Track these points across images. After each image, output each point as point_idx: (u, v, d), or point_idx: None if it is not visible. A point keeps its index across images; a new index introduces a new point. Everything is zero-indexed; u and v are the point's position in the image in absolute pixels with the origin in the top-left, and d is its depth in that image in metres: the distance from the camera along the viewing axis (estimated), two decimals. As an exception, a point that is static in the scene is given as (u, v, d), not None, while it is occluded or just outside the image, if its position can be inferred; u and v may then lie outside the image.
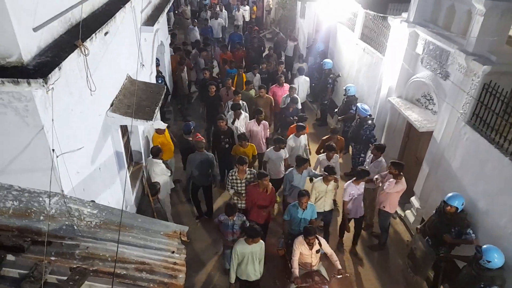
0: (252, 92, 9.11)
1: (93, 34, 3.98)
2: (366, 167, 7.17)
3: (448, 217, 5.27)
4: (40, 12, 3.34)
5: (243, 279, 5.22)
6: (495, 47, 5.44)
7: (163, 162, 6.55)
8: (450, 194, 5.29)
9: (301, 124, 7.27)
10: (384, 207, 6.32)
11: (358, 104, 8.18)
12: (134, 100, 5.45)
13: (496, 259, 4.40)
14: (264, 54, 12.78)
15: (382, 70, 8.37)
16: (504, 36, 5.55)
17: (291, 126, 7.70)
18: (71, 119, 3.91)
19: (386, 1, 10.94)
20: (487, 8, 5.17)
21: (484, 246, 4.52)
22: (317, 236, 5.15)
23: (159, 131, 7.17)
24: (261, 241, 5.04)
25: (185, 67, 10.54)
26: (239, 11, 16.89)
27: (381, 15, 8.68)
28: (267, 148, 7.28)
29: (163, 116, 9.69)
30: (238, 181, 6.08)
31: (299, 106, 8.88)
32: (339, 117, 8.98)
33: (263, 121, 7.70)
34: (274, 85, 9.47)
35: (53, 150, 3.36)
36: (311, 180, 6.77)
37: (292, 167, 6.49)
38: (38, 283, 2.05)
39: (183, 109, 10.77)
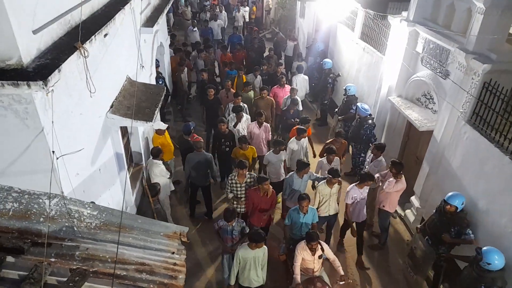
0: (251, 93, 9.04)
1: (93, 36, 3.99)
2: (366, 166, 7.19)
3: (448, 216, 5.26)
4: (39, 15, 3.35)
5: (245, 286, 5.13)
6: (495, 45, 5.43)
7: (163, 163, 6.55)
8: (450, 193, 5.28)
9: (302, 127, 7.18)
10: (383, 206, 6.32)
11: (358, 104, 8.17)
12: (134, 101, 5.46)
13: (496, 261, 4.37)
14: (264, 55, 12.67)
15: (382, 69, 8.36)
16: (504, 34, 5.54)
17: (293, 128, 7.60)
18: (71, 121, 3.92)
19: (386, 0, 10.94)
20: (487, 6, 5.16)
21: (484, 248, 4.49)
22: (320, 241, 5.08)
23: (159, 132, 7.18)
24: (264, 246, 4.97)
25: (185, 68, 10.55)
26: (239, 12, 16.86)
27: (381, 14, 8.68)
28: (269, 150, 7.22)
29: (163, 117, 9.70)
30: (238, 185, 6.03)
31: (300, 108, 8.81)
32: (339, 117, 8.95)
33: (265, 123, 7.62)
34: (275, 86, 9.41)
35: (53, 152, 3.37)
36: (313, 187, 6.71)
37: (292, 170, 6.42)
38: (38, 285, 2.06)
39: (183, 110, 10.78)
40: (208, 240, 6.84)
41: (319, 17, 12.63)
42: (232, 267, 5.03)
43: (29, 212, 2.45)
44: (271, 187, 5.86)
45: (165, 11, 8.46)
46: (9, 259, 2.21)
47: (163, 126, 7.17)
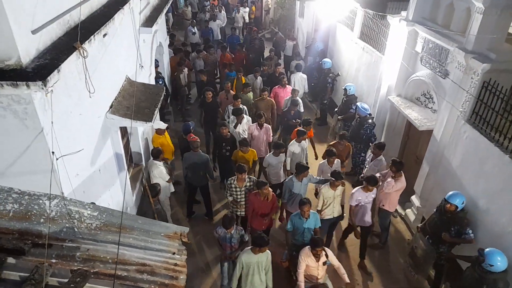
0: (250, 95, 8.95)
1: (92, 36, 3.98)
2: (367, 166, 7.19)
3: (448, 215, 5.27)
4: (38, 15, 3.34)
5: None
6: (494, 45, 5.44)
7: (164, 164, 6.54)
8: (451, 192, 5.29)
9: (302, 129, 7.11)
10: (383, 205, 6.32)
11: (358, 103, 8.17)
12: (133, 101, 5.45)
13: (499, 263, 4.34)
14: (265, 56, 12.56)
15: (382, 69, 8.37)
16: (504, 34, 5.54)
17: (295, 130, 7.47)
18: (71, 121, 3.91)
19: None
20: (486, 5, 5.17)
21: (487, 250, 4.46)
22: (324, 247, 4.96)
23: (159, 132, 7.18)
24: (267, 250, 4.89)
25: (185, 68, 10.53)
26: (239, 12, 16.76)
27: (380, 13, 8.69)
28: (269, 152, 7.14)
29: (163, 117, 9.70)
30: (238, 189, 5.97)
31: (301, 109, 8.71)
32: (339, 117, 8.96)
33: (265, 125, 7.53)
34: (276, 86, 9.32)
35: (52, 152, 3.36)
36: (316, 195, 6.64)
37: (293, 174, 6.32)
38: (39, 286, 2.05)
39: (183, 110, 10.77)
40: (206, 242, 6.81)
41: (318, 16, 12.63)
42: (234, 272, 4.95)
43: (29, 213, 2.44)
44: (271, 191, 5.78)
45: (164, 11, 8.45)
46: (10, 260, 2.21)
47: (162, 125, 7.16)
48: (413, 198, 7.19)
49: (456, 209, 5.19)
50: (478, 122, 5.50)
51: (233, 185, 5.97)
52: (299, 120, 8.00)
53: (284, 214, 6.60)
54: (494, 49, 5.37)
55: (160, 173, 6.40)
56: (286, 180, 6.27)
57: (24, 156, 3.35)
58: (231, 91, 8.95)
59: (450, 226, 5.25)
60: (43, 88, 3.00)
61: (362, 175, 7.36)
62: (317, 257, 4.90)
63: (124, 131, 6.35)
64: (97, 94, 4.32)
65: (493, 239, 5.06)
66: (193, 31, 14.15)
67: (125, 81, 5.93)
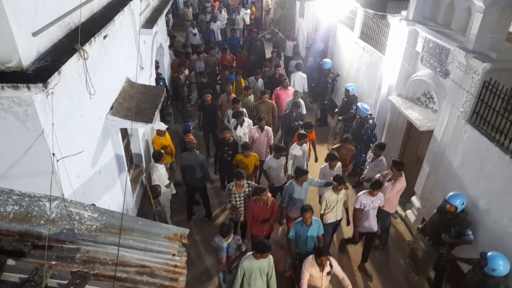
0: (251, 98, 8.86)
1: (92, 38, 3.99)
2: (367, 167, 7.18)
3: (449, 216, 5.25)
4: (39, 17, 3.35)
5: None
6: (495, 44, 5.43)
7: (165, 165, 6.55)
8: (451, 193, 5.28)
9: (303, 132, 7.06)
10: (383, 206, 6.29)
11: (359, 104, 8.16)
12: (133, 103, 5.45)
13: (501, 267, 4.30)
14: (266, 58, 12.41)
15: (382, 68, 8.36)
16: (504, 33, 5.54)
17: (296, 133, 7.40)
18: (71, 123, 3.92)
19: (385, -1, 10.95)
20: (486, 5, 5.16)
21: (489, 254, 4.41)
22: (329, 257, 4.84)
23: (159, 133, 7.19)
24: (270, 256, 4.81)
25: (186, 69, 10.54)
26: (240, 14, 16.66)
27: (380, 13, 8.68)
28: (270, 155, 7.09)
29: (163, 118, 9.70)
30: (236, 195, 5.92)
31: (303, 111, 8.65)
32: (339, 117, 8.95)
33: (266, 127, 7.48)
34: (278, 88, 9.26)
35: (53, 154, 3.37)
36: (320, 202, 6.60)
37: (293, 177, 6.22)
38: (39, 287, 2.06)
39: (183, 111, 10.78)
40: (206, 243, 6.78)
41: (318, 17, 12.64)
42: (235, 278, 4.90)
43: (29, 215, 2.45)
44: (270, 196, 5.70)
45: (165, 12, 8.45)
46: (10, 262, 2.21)
47: (163, 126, 7.18)
48: (414, 199, 7.18)
49: (456, 210, 5.18)
50: (479, 122, 5.49)
51: (232, 191, 5.91)
52: (301, 122, 7.95)
53: (285, 221, 6.50)
54: (495, 49, 5.36)
55: (159, 177, 6.40)
56: (286, 184, 6.18)
57: (25, 158, 3.36)
58: (232, 94, 8.83)
59: (451, 227, 5.23)
60: (43, 90, 3.01)
61: (362, 175, 7.35)
62: (321, 266, 4.76)
63: (124, 132, 6.35)
64: (97, 95, 4.33)
65: (493, 240, 5.05)
66: (194, 32, 14.13)
67: (125, 82, 5.94)
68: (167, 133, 7.39)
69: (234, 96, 8.73)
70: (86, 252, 2.38)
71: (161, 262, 2.50)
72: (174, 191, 6.91)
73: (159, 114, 6.59)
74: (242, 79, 9.78)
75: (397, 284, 6.17)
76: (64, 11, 3.86)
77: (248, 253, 4.89)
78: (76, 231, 2.48)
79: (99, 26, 4.38)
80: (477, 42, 5.44)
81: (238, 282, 4.87)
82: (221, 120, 8.53)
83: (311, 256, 4.86)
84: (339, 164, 6.61)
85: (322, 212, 5.99)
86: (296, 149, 6.95)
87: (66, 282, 2.18)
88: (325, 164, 6.67)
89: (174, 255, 2.58)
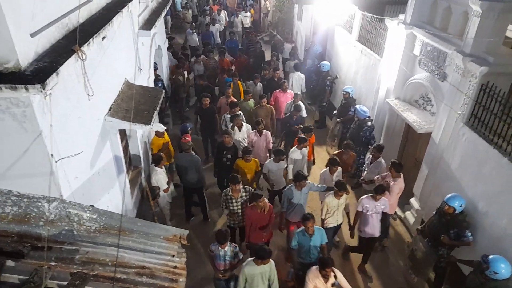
0: (251, 102, 8.72)
1: (91, 39, 3.99)
2: (366, 169, 7.20)
3: (448, 217, 5.27)
4: (37, 18, 3.35)
5: None
6: (492, 48, 5.46)
7: (164, 166, 6.54)
8: (450, 195, 5.30)
9: (303, 136, 7.02)
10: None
11: (357, 106, 8.19)
12: (132, 104, 5.45)
13: (503, 270, 4.29)
14: (266, 61, 12.24)
15: (380, 71, 8.40)
16: (501, 37, 5.58)
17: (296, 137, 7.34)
18: (69, 124, 3.91)
19: (383, 3, 11.01)
20: (483, 9, 5.20)
21: (491, 257, 4.40)
22: (333, 268, 4.70)
23: (158, 134, 7.19)
24: (271, 260, 4.76)
25: (184, 71, 10.53)
26: (238, 17, 16.57)
27: (378, 17, 8.73)
28: (268, 159, 7.06)
29: (162, 120, 9.69)
30: (234, 200, 5.83)
31: (304, 114, 8.61)
32: (338, 119, 8.98)
33: (265, 131, 7.43)
34: (277, 91, 9.21)
35: (51, 155, 3.36)
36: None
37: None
38: (38, 289, 2.05)
39: (182, 113, 10.77)
40: (205, 245, 6.75)
41: (316, 19, 12.68)
42: (237, 285, 4.87)
43: (28, 216, 2.44)
44: (267, 202, 5.61)
45: (163, 14, 8.47)
46: (9, 263, 2.20)
47: (161, 128, 7.18)
48: (412, 200, 7.20)
49: (454, 211, 5.20)
50: (477, 125, 5.52)
51: (228, 196, 5.83)
52: (301, 126, 7.92)
53: (285, 232, 6.49)
54: (492, 52, 5.39)
55: (158, 180, 6.38)
56: (285, 189, 6.12)
57: (23, 158, 3.35)
58: (233, 98, 8.70)
59: (449, 229, 5.25)
60: (41, 91, 3.01)
61: (362, 177, 7.37)
62: (325, 278, 4.63)
63: (123, 133, 6.34)
64: (96, 97, 4.33)
65: (492, 241, 5.07)
66: (192, 31, 14.14)
67: (124, 84, 5.94)
68: (166, 134, 7.39)
69: (232, 100, 8.59)
70: (86, 253, 2.37)
71: (160, 263, 2.49)
72: (175, 194, 6.86)
73: (157, 115, 6.58)
74: (239, 82, 9.71)
75: (396, 285, 6.17)
76: (62, 12, 3.86)
77: (249, 259, 4.83)
78: (75, 232, 2.47)
79: (98, 27, 4.38)
80: (474, 46, 5.48)
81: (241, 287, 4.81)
82: (218, 124, 8.46)
83: (315, 267, 4.73)
84: (339, 169, 6.54)
85: (323, 217, 5.95)
86: (295, 153, 6.93)
87: (65, 283, 2.17)
88: (326, 169, 6.62)
89: (173, 256, 2.57)
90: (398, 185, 6.13)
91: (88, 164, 4.53)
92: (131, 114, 5.21)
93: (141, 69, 7.15)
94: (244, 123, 7.81)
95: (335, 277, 4.72)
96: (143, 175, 7.07)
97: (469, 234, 5.16)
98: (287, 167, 6.94)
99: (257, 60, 12.08)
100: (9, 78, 3.02)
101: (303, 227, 5.22)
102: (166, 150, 7.30)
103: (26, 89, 2.97)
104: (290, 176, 6.81)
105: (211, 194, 7.73)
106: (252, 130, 7.66)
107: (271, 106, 8.64)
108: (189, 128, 7.43)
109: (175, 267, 2.50)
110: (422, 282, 5.86)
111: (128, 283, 2.30)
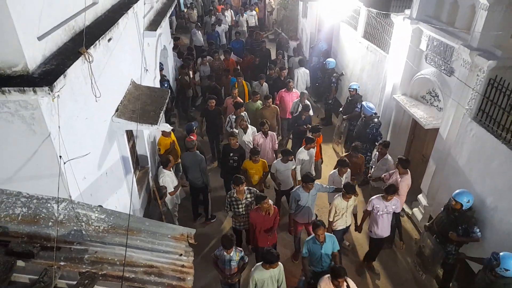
0: (259, 103, 8.53)
1: (97, 41, 4.03)
2: (373, 166, 7.16)
3: (456, 214, 5.22)
4: (44, 21, 3.39)
5: None
6: (500, 41, 5.38)
7: (172, 168, 6.59)
8: (458, 190, 5.26)
9: (310, 136, 6.96)
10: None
11: (364, 103, 8.14)
12: (138, 105, 5.49)
13: None
14: (272, 59, 12.15)
15: (386, 67, 8.34)
16: (509, 31, 5.48)
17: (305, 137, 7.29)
18: (77, 126, 3.95)
19: (388, -2, 10.91)
20: (491, 2, 5.13)
21: (502, 254, 4.34)
22: (346, 277, 4.53)
23: (164, 133, 7.23)
24: (280, 263, 4.75)
25: (190, 71, 10.56)
26: (243, 16, 16.38)
27: (384, 12, 8.66)
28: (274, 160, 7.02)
29: (168, 120, 9.75)
30: (239, 202, 5.78)
31: (311, 113, 8.55)
32: (344, 116, 8.93)
33: (270, 132, 7.40)
34: (282, 90, 9.14)
35: (60, 156, 3.40)
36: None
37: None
38: (48, 288, 2.08)
39: (188, 113, 10.81)
40: (211, 246, 6.79)
41: (321, 16, 12.61)
42: None
43: (38, 217, 2.48)
44: (271, 204, 5.56)
45: (168, 15, 8.50)
46: (20, 263, 2.24)
47: (168, 128, 7.22)
48: (420, 197, 7.15)
49: (462, 207, 5.15)
50: (485, 120, 5.46)
51: (233, 198, 5.80)
52: (309, 126, 7.89)
53: (294, 237, 6.47)
54: (500, 46, 5.32)
55: (166, 183, 6.41)
56: (293, 190, 6.07)
57: (32, 160, 3.39)
58: (238, 98, 8.67)
59: (458, 225, 5.20)
60: (49, 93, 3.04)
61: (369, 174, 7.33)
62: None
63: (130, 134, 6.39)
64: (103, 98, 4.37)
65: (502, 238, 5.01)
66: (197, 32, 14.14)
67: (130, 84, 5.98)
68: (172, 134, 7.43)
69: (237, 100, 8.52)
70: (94, 253, 2.40)
71: (168, 262, 2.52)
72: (184, 195, 6.88)
73: (164, 115, 6.61)
74: (244, 81, 9.67)
75: (404, 282, 6.14)
76: (68, 15, 3.90)
77: (257, 264, 4.81)
78: (84, 232, 2.51)
79: (104, 29, 4.42)
80: (482, 40, 5.40)
81: None
82: (224, 126, 8.42)
83: (327, 276, 4.60)
84: (348, 171, 6.44)
85: (331, 220, 5.90)
86: (303, 154, 6.90)
87: (75, 282, 2.20)
88: (334, 170, 6.54)
89: (181, 255, 2.60)
90: (405, 182, 6.09)
91: (95, 165, 4.58)
92: (138, 114, 5.25)
93: (147, 69, 7.19)
94: (249, 125, 7.75)
95: (348, 287, 4.56)
96: (150, 174, 7.11)
97: (478, 230, 5.10)
98: (295, 167, 6.90)
99: (263, 59, 12.00)
100: (18, 81, 3.06)
101: (313, 235, 5.09)
102: (173, 149, 7.34)
103: (35, 91, 3.01)
104: (299, 177, 6.76)
105: (218, 196, 7.73)
106: (257, 131, 7.63)
107: (276, 106, 8.59)
108: (194, 127, 7.45)
109: (182, 266, 2.52)
110: (430, 279, 5.83)
111: (137, 282, 2.33)
